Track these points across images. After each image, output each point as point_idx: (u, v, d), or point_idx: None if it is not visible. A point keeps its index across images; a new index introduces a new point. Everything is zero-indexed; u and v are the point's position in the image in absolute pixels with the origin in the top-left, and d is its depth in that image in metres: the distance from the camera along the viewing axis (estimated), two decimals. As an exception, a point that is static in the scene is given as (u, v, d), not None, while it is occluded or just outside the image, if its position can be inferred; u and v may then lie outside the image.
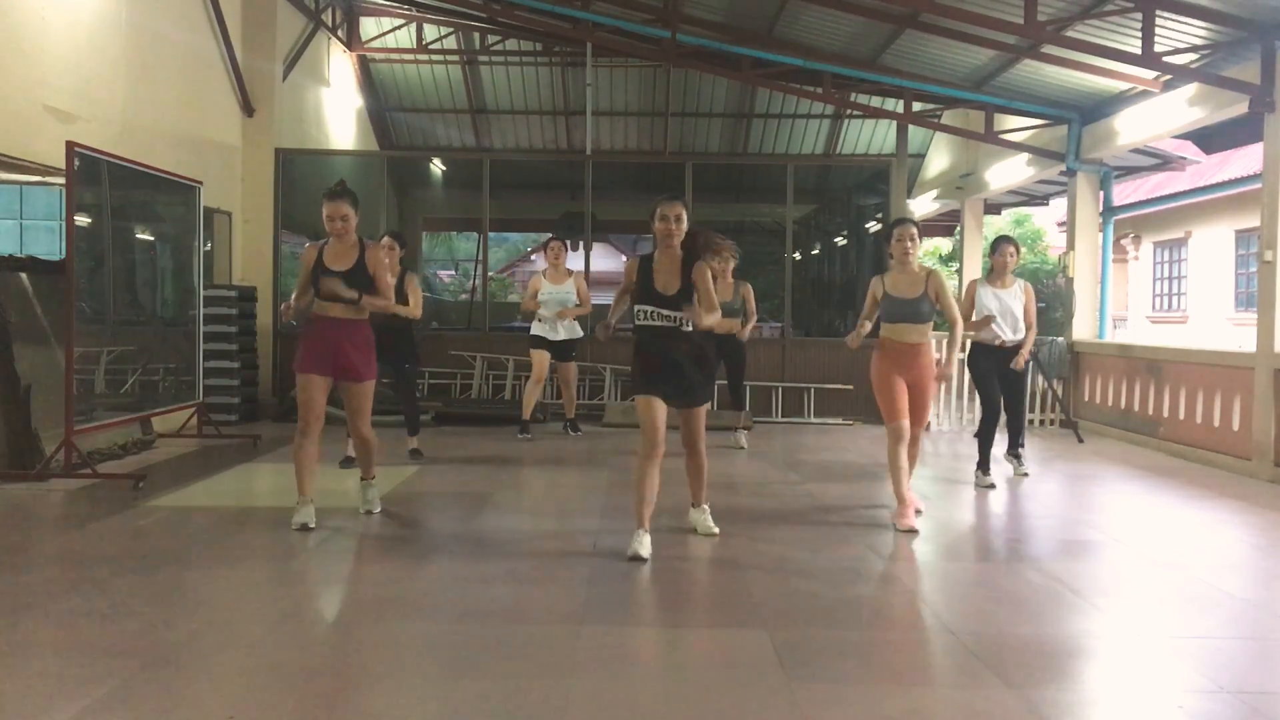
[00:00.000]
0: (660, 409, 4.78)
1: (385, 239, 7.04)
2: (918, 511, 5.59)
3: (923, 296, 5.51)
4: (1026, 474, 7.19)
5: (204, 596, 4.10)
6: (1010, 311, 6.79)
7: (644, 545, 4.72)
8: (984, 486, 6.80)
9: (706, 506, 5.23)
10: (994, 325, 6.75)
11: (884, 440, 5.69)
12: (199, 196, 8.40)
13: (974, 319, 6.81)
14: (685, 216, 4.81)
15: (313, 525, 5.15)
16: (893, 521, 5.47)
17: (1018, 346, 6.89)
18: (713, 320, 4.75)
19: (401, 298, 6.74)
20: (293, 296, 5.32)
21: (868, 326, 5.74)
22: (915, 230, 5.62)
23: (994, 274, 6.89)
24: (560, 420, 9.30)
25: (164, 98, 8.79)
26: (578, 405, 10.06)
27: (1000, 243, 6.98)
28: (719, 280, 7.96)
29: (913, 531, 5.34)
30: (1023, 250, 7.22)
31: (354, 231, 5.24)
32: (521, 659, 3.39)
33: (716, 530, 5.14)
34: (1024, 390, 7.29)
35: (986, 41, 9.01)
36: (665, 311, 4.75)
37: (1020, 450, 7.32)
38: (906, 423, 5.53)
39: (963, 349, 7.29)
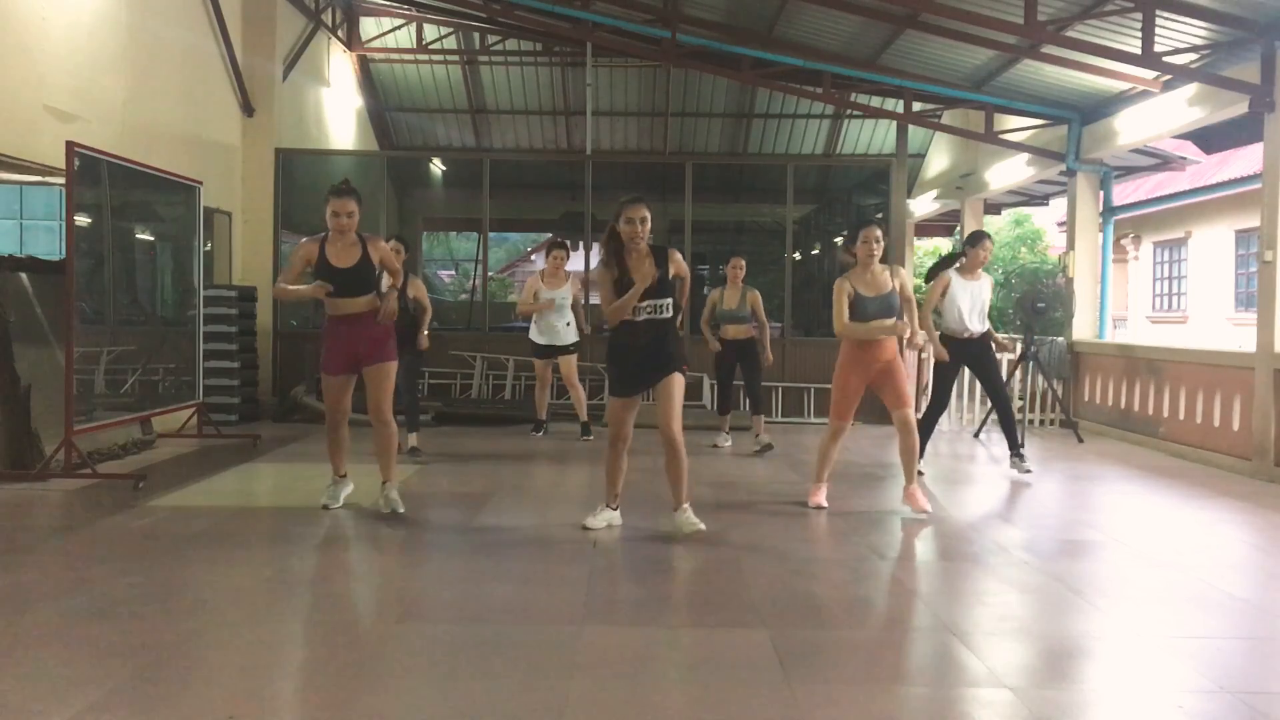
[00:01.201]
0: (631, 411, 5.16)
1: (391, 242, 7.10)
2: (925, 511, 5.76)
3: (893, 291, 5.73)
4: (1030, 470, 7.16)
5: (204, 596, 4.09)
6: (980, 304, 6.96)
7: (600, 519, 5.19)
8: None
9: (687, 505, 5.14)
10: (962, 319, 6.95)
11: (885, 441, 5.82)
12: (199, 196, 8.40)
13: (943, 312, 6.99)
14: (649, 218, 4.96)
15: (336, 505, 5.54)
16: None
17: (985, 338, 7.09)
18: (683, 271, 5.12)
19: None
20: (280, 282, 5.47)
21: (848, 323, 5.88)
22: (879, 232, 5.80)
23: (967, 267, 7.01)
24: (569, 421, 9.26)
25: (164, 98, 8.80)
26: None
27: (980, 237, 7.12)
28: (729, 286, 8.17)
29: (820, 508, 5.83)
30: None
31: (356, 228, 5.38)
32: (521, 659, 3.38)
33: (701, 525, 5.05)
34: (999, 380, 7.37)
35: (986, 41, 9.02)
36: (645, 304, 4.96)
37: (1021, 450, 7.29)
38: (848, 424, 5.92)
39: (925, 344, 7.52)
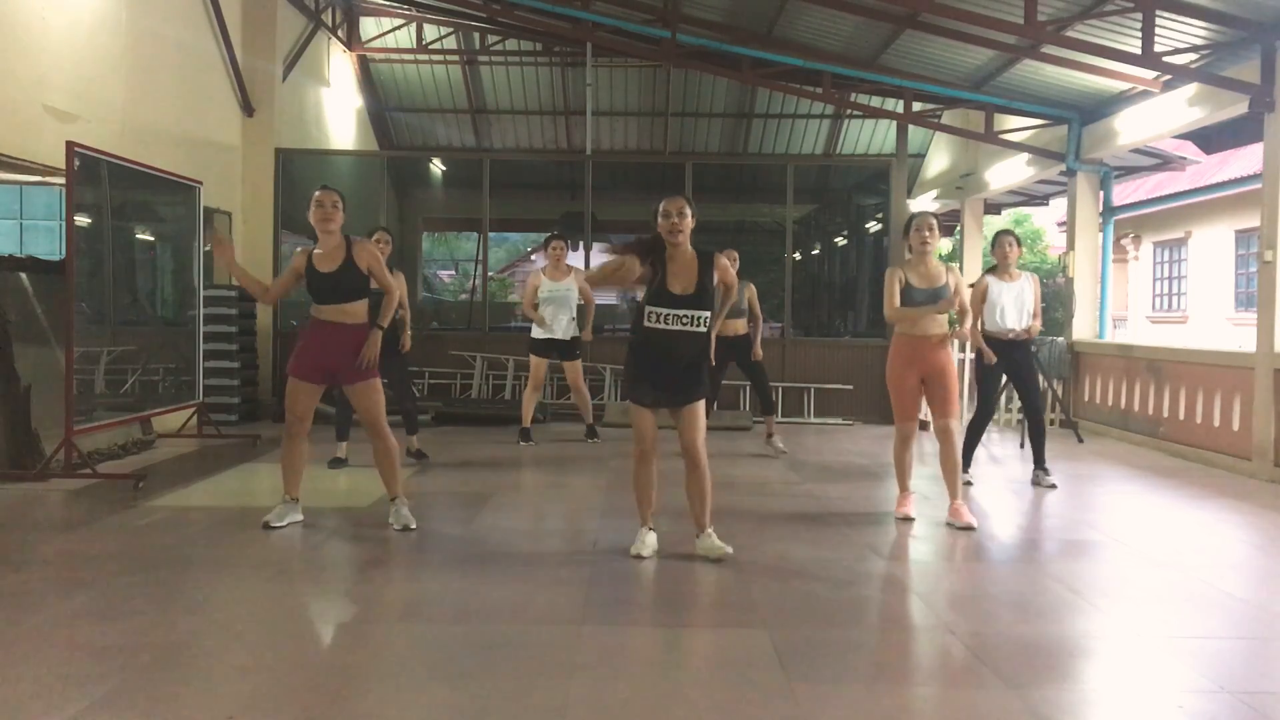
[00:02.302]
0: (653, 420, 4.76)
1: (379, 233, 7.06)
2: (971, 526, 5.50)
3: (944, 287, 5.55)
4: (1054, 485, 6.91)
5: (204, 596, 4.09)
6: (1022, 304, 6.85)
7: (646, 544, 4.76)
8: (963, 483, 6.69)
9: (711, 530, 4.81)
10: (1003, 319, 6.80)
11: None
12: (199, 196, 8.40)
13: (983, 314, 6.85)
14: (689, 212, 4.64)
15: (278, 525, 5.15)
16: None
17: (1027, 341, 6.96)
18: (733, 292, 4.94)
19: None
20: (272, 282, 5.33)
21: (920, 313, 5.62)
22: (934, 221, 5.66)
23: (999, 268, 6.92)
24: (569, 422, 9.23)
25: (164, 98, 8.80)
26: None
27: (999, 236, 7.03)
28: None
29: (908, 519, 5.60)
30: (1022, 247, 7.18)
31: (340, 228, 5.26)
32: (521, 659, 3.39)
33: (728, 549, 4.73)
34: (1037, 384, 7.18)
35: (986, 41, 9.02)
36: (681, 313, 4.61)
37: (1046, 466, 7.03)
38: (915, 425, 5.69)
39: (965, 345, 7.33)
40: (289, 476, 5.30)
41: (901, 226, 5.79)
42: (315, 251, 5.27)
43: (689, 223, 4.63)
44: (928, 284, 5.57)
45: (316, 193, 5.26)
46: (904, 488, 5.75)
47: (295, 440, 5.28)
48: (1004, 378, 7.18)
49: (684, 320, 4.61)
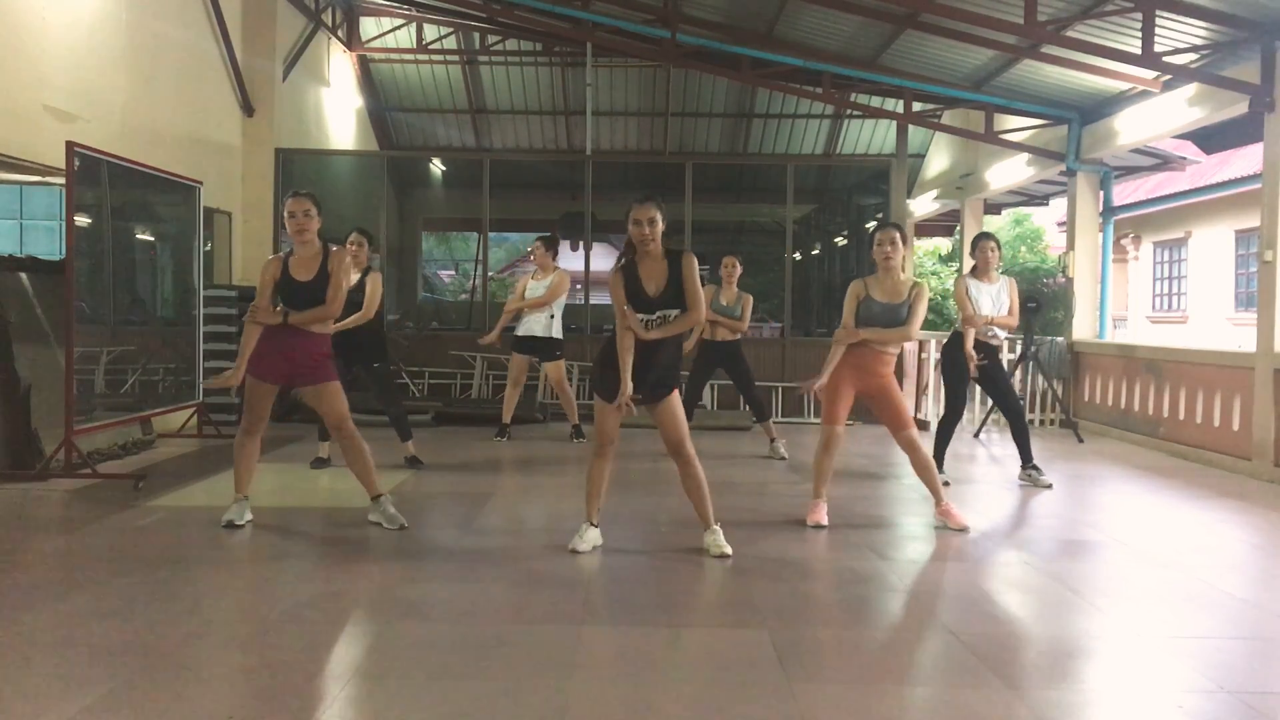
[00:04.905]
0: (617, 415, 4.76)
1: (353, 235, 6.88)
2: (964, 528, 5.47)
3: (904, 304, 5.42)
4: (1049, 484, 6.85)
5: (204, 596, 4.09)
6: (999, 306, 6.81)
7: (586, 539, 4.83)
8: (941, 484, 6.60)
9: (717, 527, 4.86)
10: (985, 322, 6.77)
11: (886, 440, 5.74)
12: (199, 196, 8.40)
13: (973, 316, 6.80)
14: (660, 218, 4.66)
15: (240, 523, 5.19)
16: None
17: (998, 348, 6.94)
18: (698, 316, 4.74)
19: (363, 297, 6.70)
20: (256, 305, 5.22)
21: (852, 326, 5.57)
22: (897, 235, 5.48)
23: (979, 270, 6.87)
24: (560, 421, 9.24)
25: (164, 98, 8.80)
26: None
27: (980, 240, 6.97)
28: (725, 285, 8.01)
29: (820, 526, 5.43)
30: (1002, 249, 7.07)
31: (316, 236, 5.20)
32: (521, 659, 3.38)
33: (729, 551, 4.77)
34: (1009, 386, 7.14)
35: (986, 41, 9.02)
36: (654, 317, 4.66)
37: (1034, 465, 6.95)
38: (841, 430, 5.56)
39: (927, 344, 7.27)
40: (242, 475, 5.31)
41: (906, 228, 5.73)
42: (291, 258, 5.20)
43: (660, 229, 4.67)
44: (889, 299, 5.42)
45: (288, 202, 5.17)
46: (818, 494, 5.61)
47: (253, 439, 5.30)
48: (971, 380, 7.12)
49: (658, 321, 4.67)
